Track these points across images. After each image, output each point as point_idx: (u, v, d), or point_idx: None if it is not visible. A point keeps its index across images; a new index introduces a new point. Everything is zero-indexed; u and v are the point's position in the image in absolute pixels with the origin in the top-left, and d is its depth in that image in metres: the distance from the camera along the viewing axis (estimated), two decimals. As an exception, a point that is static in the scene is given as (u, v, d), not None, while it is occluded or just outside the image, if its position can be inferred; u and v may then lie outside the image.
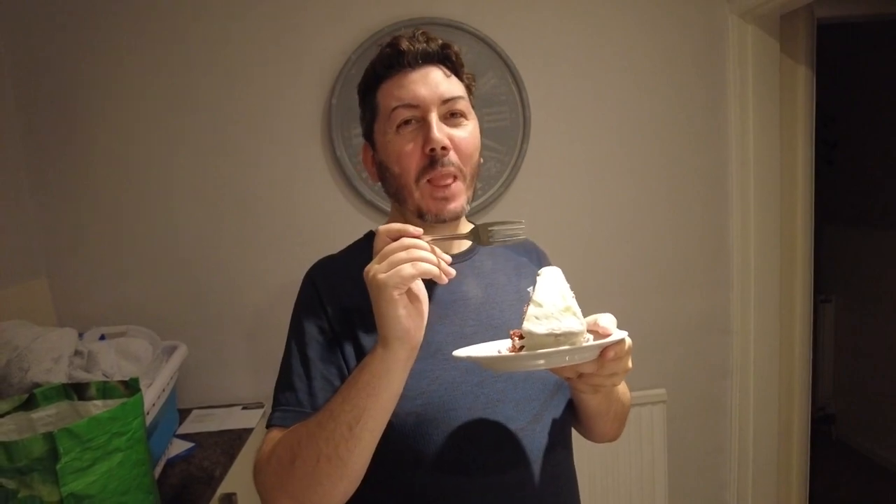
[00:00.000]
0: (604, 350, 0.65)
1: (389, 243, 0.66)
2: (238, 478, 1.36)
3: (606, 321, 0.68)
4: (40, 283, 1.62)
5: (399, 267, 0.63)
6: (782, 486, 2.03)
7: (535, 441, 0.80)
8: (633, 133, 1.81)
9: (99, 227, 1.65)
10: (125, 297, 1.66)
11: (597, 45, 1.78)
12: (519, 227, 0.75)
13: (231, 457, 1.38)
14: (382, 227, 0.68)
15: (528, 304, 0.67)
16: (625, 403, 0.92)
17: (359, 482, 0.71)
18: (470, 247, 0.93)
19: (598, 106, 1.79)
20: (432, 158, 0.79)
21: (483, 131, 0.91)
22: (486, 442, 0.78)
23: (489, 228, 0.73)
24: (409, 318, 0.66)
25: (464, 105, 0.84)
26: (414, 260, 0.64)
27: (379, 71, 0.84)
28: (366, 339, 0.80)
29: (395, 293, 0.64)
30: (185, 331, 1.62)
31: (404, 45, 0.81)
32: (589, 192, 1.82)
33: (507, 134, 1.73)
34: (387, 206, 1.69)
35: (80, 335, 1.28)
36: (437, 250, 0.67)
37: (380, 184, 0.89)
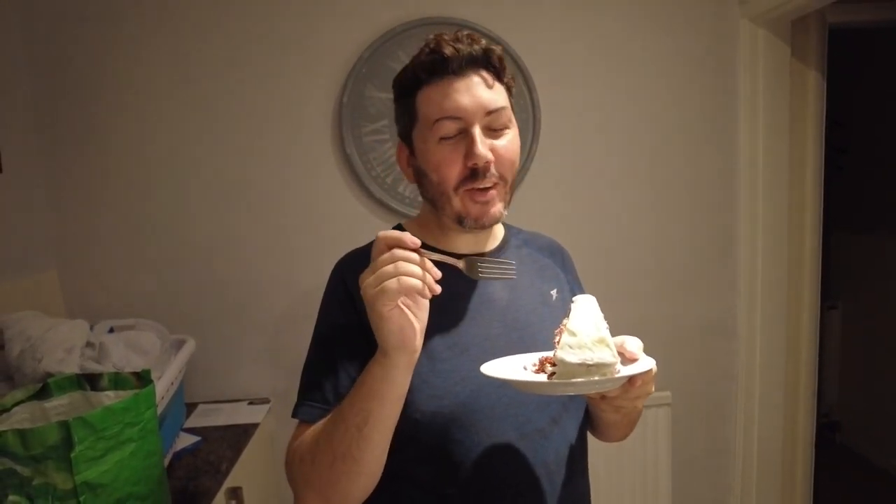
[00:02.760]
0: (633, 378, 0.67)
1: (385, 251, 0.66)
2: (244, 472, 1.37)
3: (633, 346, 0.70)
4: (50, 275, 1.63)
5: (385, 283, 0.63)
6: (786, 491, 2.03)
7: (554, 442, 0.82)
8: (641, 136, 1.82)
9: (110, 221, 1.66)
10: (134, 290, 1.67)
11: (607, 46, 1.78)
12: (510, 269, 0.77)
13: (237, 451, 1.39)
14: (382, 234, 0.67)
15: (562, 332, 0.69)
16: (639, 411, 0.92)
17: (377, 477, 0.73)
18: (497, 247, 0.93)
19: (607, 108, 1.79)
20: (474, 171, 0.80)
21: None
22: (506, 441, 0.79)
23: (480, 264, 0.74)
24: (402, 330, 0.66)
25: (506, 115, 0.83)
26: (400, 275, 0.64)
27: (421, 76, 0.82)
28: None
29: (385, 309, 0.64)
30: (193, 325, 1.63)
31: (448, 50, 0.80)
32: (597, 195, 1.82)
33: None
34: (396, 204, 1.71)
35: (91, 327, 1.29)
36: (429, 264, 0.67)
37: (415, 185, 0.89)
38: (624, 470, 1.83)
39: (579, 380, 0.65)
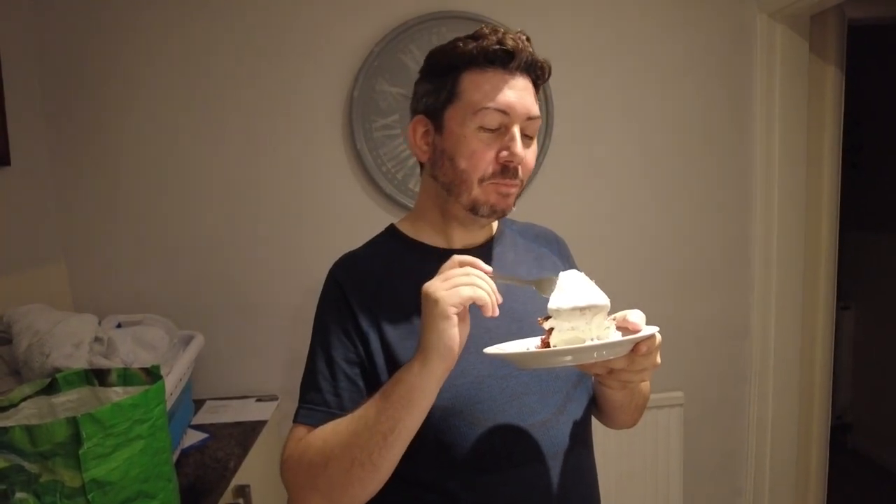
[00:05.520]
0: (636, 345, 0.67)
1: (457, 268, 0.69)
2: (252, 469, 1.36)
3: (636, 317, 0.69)
4: (59, 268, 1.62)
5: (459, 287, 0.66)
6: (799, 494, 2.00)
7: (558, 433, 0.80)
8: (656, 133, 1.79)
9: (118, 215, 1.65)
10: (143, 285, 1.66)
11: (622, 42, 1.75)
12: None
13: (245, 448, 1.37)
14: (457, 256, 0.71)
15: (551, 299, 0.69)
16: (646, 395, 0.92)
17: (386, 480, 0.73)
18: (491, 238, 0.93)
19: (620, 105, 1.77)
20: (505, 168, 0.80)
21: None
22: (510, 434, 0.78)
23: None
24: (453, 338, 0.67)
25: (538, 126, 0.85)
26: (473, 285, 0.67)
27: (476, 58, 0.80)
28: (391, 334, 0.80)
29: (451, 310, 0.66)
30: (202, 321, 1.61)
31: (511, 44, 0.79)
32: (610, 191, 1.79)
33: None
34: (406, 200, 1.68)
35: (99, 322, 1.28)
36: (494, 287, 0.70)
37: (424, 162, 0.88)
38: (635, 470, 1.81)
39: (580, 345, 0.65)
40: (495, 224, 0.95)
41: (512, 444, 0.78)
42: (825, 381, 1.98)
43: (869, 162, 2.98)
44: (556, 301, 0.68)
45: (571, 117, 1.74)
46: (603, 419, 0.95)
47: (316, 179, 1.70)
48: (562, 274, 0.71)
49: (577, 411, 0.84)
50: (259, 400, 1.65)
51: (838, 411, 3.12)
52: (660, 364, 0.70)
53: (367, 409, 0.71)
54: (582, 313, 0.67)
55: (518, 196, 0.86)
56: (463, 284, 0.67)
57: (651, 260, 1.82)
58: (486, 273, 0.70)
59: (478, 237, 0.91)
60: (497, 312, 0.69)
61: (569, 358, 0.65)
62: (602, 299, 0.68)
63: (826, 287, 1.94)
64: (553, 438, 0.80)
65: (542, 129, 1.71)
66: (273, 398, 1.66)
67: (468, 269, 0.69)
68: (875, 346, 3.01)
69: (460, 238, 0.89)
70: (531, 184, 1.74)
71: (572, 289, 0.68)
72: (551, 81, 1.68)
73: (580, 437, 0.84)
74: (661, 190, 1.81)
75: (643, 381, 0.74)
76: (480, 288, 0.67)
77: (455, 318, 0.66)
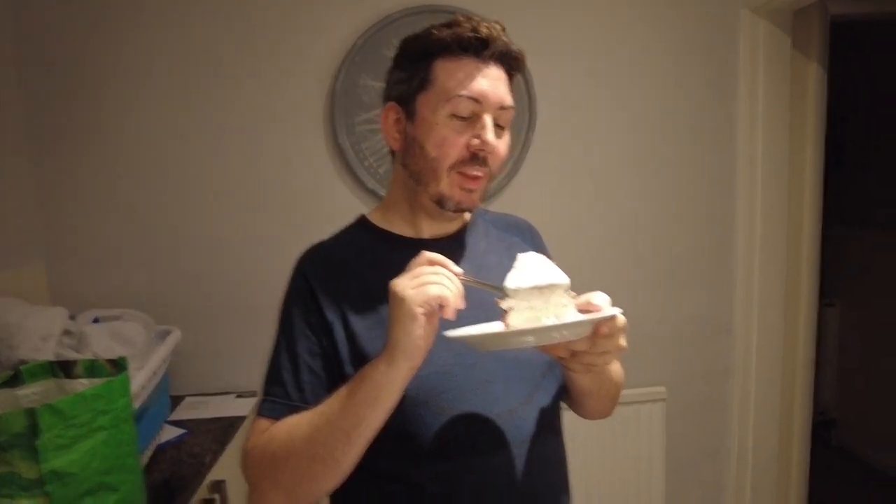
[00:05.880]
0: (597, 326, 0.65)
1: (427, 265, 0.68)
2: (228, 465, 1.34)
3: (599, 299, 0.68)
4: (37, 267, 1.60)
5: (427, 286, 0.65)
6: (781, 489, 2.00)
7: (524, 421, 0.79)
8: (639, 128, 1.79)
9: (98, 213, 1.63)
10: (122, 281, 1.64)
11: (605, 37, 1.75)
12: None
13: (222, 444, 1.36)
14: (427, 254, 0.69)
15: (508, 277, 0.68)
16: (617, 383, 0.91)
17: (334, 487, 0.73)
18: (464, 227, 0.92)
19: (603, 100, 1.77)
20: (474, 156, 0.79)
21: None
22: (477, 423, 0.77)
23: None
24: (420, 338, 0.66)
25: (511, 116, 0.84)
26: (441, 285, 0.65)
27: (450, 45, 0.79)
28: (358, 324, 0.79)
29: (418, 310, 0.64)
30: (182, 317, 1.59)
31: (485, 32, 0.79)
32: (593, 186, 1.79)
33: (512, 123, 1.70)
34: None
35: (73, 317, 1.26)
36: (462, 289, 0.68)
37: (396, 151, 0.87)
38: (617, 465, 1.81)
39: (539, 326, 0.63)
40: (466, 215, 0.94)
41: (477, 432, 0.76)
42: (807, 377, 1.99)
43: (852, 159, 3.00)
44: (513, 280, 0.66)
45: (554, 113, 1.73)
46: (575, 408, 0.93)
47: (297, 174, 1.68)
48: (520, 255, 0.70)
49: (544, 399, 0.83)
50: (239, 396, 1.64)
51: (822, 408, 3.14)
52: (625, 347, 0.68)
53: (330, 405, 0.70)
54: (541, 293, 0.65)
55: (486, 187, 0.85)
56: (431, 283, 0.65)
57: (634, 256, 1.82)
58: (455, 274, 0.68)
59: (449, 227, 0.90)
60: (454, 316, 0.67)
61: (530, 338, 0.64)
62: (561, 277, 0.66)
63: (809, 284, 1.95)
64: (519, 427, 0.79)
65: (525, 123, 1.70)
66: (253, 394, 1.64)
67: (438, 269, 0.67)
68: (859, 342, 3.03)
69: (430, 228, 0.88)
70: (514, 178, 1.73)
71: (530, 268, 0.67)
72: (534, 75, 1.69)
73: (548, 426, 0.83)
74: (643, 184, 1.81)
75: (606, 363, 0.72)
76: (448, 289, 0.66)
77: (422, 318, 0.65)
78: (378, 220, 0.90)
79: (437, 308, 0.66)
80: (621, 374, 0.93)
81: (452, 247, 0.87)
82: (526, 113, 1.70)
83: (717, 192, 1.85)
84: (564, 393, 0.88)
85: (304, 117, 1.67)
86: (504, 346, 0.69)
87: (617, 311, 0.66)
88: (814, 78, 1.86)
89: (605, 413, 0.94)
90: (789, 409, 1.99)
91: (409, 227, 0.88)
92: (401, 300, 0.65)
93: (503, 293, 0.68)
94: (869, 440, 2.95)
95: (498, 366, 0.80)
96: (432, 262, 0.68)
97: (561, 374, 0.85)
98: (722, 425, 1.94)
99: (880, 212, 2.91)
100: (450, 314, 0.66)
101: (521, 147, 1.71)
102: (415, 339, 0.65)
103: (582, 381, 0.81)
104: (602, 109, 1.77)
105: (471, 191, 0.81)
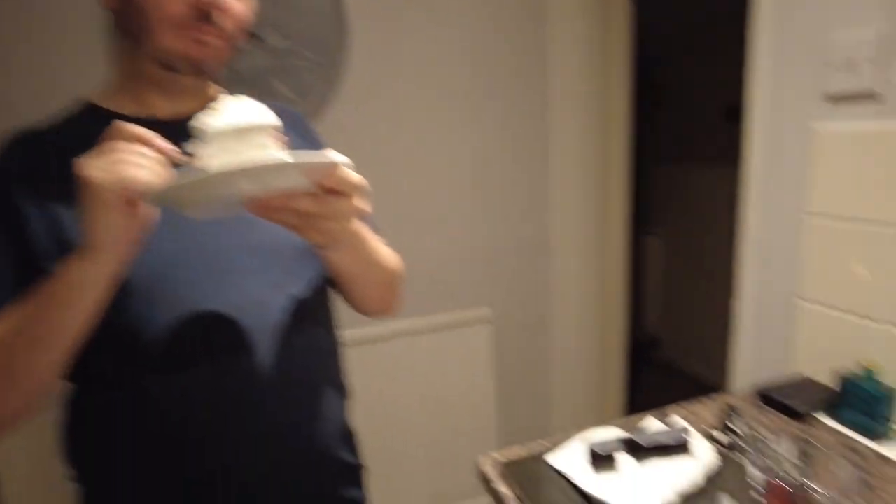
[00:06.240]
0: (323, 181, 0.59)
1: (121, 140, 0.57)
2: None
3: (330, 153, 0.60)
4: None
5: (121, 165, 0.55)
6: (600, 399, 2.19)
7: (271, 312, 0.73)
8: (456, 65, 1.79)
9: None
10: None
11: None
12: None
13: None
14: (125, 124, 0.58)
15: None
16: (387, 269, 0.86)
17: (39, 402, 0.65)
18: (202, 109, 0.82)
19: (422, 36, 1.74)
20: (202, 14, 0.68)
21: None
22: (213, 319, 0.70)
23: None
24: (122, 229, 0.57)
25: None
26: (138, 164, 0.55)
27: None
28: (64, 214, 0.68)
29: (109, 195, 0.55)
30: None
31: None
32: (416, 118, 1.78)
33: (320, 43, 1.60)
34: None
35: None
36: (169, 172, 0.57)
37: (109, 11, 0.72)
38: (448, 385, 1.88)
39: (235, 167, 0.53)
40: (214, 93, 0.81)
41: (215, 329, 0.70)
42: (621, 298, 2.18)
43: (671, 100, 3.24)
44: (206, 121, 0.56)
45: (373, 42, 1.68)
46: (349, 299, 0.88)
47: None
48: (223, 97, 0.60)
49: (297, 286, 0.77)
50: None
51: (649, 329, 3.48)
52: (365, 210, 0.64)
53: (24, 309, 0.62)
54: (240, 136, 0.55)
55: (227, 53, 0.74)
56: (125, 162, 0.55)
57: (453, 182, 1.84)
58: (165, 152, 0.58)
59: (190, 104, 0.75)
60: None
61: (246, 185, 0.54)
62: (268, 117, 0.57)
63: (620, 213, 2.10)
64: (266, 319, 0.73)
65: (335, 43, 1.60)
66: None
67: (136, 146, 0.57)
68: (682, 269, 3.35)
69: (164, 106, 0.75)
70: (335, 103, 1.64)
71: (233, 109, 0.57)
72: (354, 25, 1.58)
73: (305, 316, 0.77)
74: (465, 119, 1.82)
75: (344, 228, 0.66)
76: (146, 168, 0.55)
77: (116, 204, 0.55)
78: (100, 100, 0.77)
79: (139, 192, 0.56)
80: (394, 262, 0.88)
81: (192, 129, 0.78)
82: (334, 32, 1.60)
83: (532, 126, 1.92)
84: (330, 283, 0.84)
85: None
86: (205, 199, 0.59)
87: (341, 159, 0.59)
88: (621, 15, 1.95)
89: (383, 306, 0.90)
90: (609, 327, 2.17)
91: (138, 106, 0.75)
92: (87, 184, 0.55)
93: (196, 139, 0.57)
94: (691, 355, 3.32)
95: (241, 254, 0.73)
96: (134, 138, 0.58)
97: (320, 261, 0.78)
98: (547, 342, 2.06)
99: (697, 148, 3.18)
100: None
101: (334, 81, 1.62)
102: (110, 228, 0.56)
103: (340, 262, 0.76)
104: (419, 46, 1.73)
105: (205, 44, 0.70)
